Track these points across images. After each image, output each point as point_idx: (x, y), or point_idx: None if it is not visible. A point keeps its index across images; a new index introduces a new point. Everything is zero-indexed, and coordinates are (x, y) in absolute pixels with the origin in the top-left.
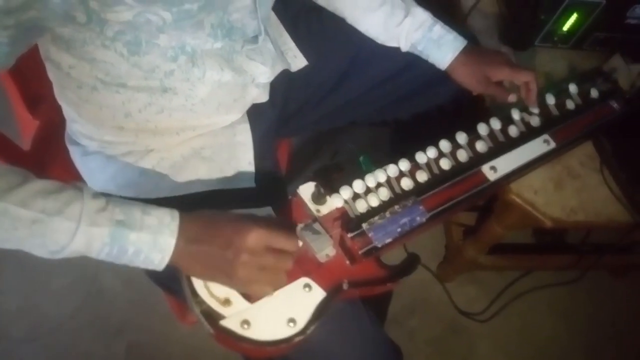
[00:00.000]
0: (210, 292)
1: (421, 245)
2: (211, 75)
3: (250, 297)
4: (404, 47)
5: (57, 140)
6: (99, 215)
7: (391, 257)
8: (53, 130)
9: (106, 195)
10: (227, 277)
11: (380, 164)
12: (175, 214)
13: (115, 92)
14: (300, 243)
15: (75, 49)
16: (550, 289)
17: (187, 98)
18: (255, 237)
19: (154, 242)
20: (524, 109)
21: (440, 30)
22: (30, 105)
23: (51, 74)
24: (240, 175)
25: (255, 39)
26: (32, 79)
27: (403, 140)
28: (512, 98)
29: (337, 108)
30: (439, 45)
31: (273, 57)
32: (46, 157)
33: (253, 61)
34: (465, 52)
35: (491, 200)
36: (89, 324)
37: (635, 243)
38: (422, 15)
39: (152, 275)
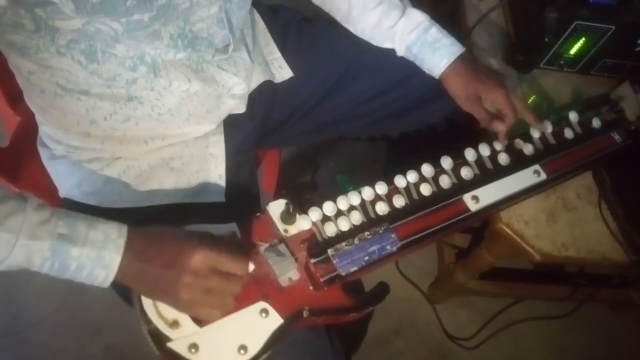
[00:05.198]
0: (159, 312)
1: (413, 264)
2: (178, 85)
3: (200, 321)
4: (399, 50)
5: (36, 138)
6: (40, 228)
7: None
8: (33, 127)
9: (72, 203)
10: (170, 298)
11: (360, 184)
12: (124, 229)
13: (77, 99)
14: (252, 267)
15: (29, 56)
16: (545, 318)
17: (154, 108)
18: (200, 259)
19: (98, 258)
20: (514, 136)
21: (436, 33)
22: (11, 100)
23: (17, 77)
24: (209, 189)
25: (226, 48)
26: (11, 75)
27: (390, 159)
28: (497, 127)
29: (323, 122)
30: (434, 50)
31: (248, 68)
32: (24, 154)
33: (225, 72)
34: (462, 60)
35: (485, 224)
36: (68, 322)
37: (634, 280)
38: (418, 17)
39: (117, 289)
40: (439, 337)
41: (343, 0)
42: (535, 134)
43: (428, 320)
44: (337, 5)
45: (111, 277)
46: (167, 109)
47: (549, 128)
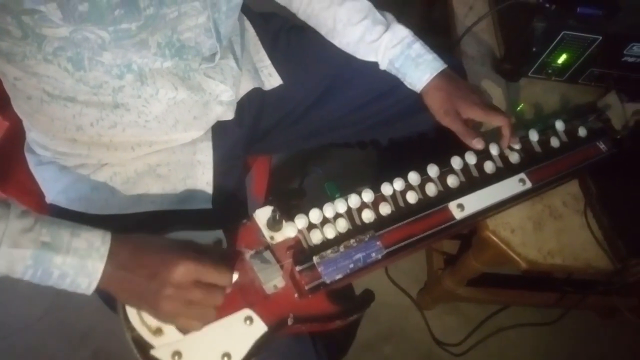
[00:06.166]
0: (142, 319)
1: (402, 270)
2: (165, 93)
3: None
4: (382, 64)
5: (24, 144)
6: (22, 236)
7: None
8: (21, 133)
9: (58, 209)
10: (151, 308)
11: (350, 190)
12: (107, 237)
13: (63, 105)
14: (236, 277)
15: (16, 62)
16: (532, 325)
17: (140, 115)
18: (182, 271)
19: (81, 266)
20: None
21: (419, 48)
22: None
23: (3, 83)
24: (196, 196)
25: (213, 57)
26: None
27: (380, 165)
28: (476, 144)
29: (312, 129)
30: (417, 64)
31: (235, 76)
32: (12, 160)
33: (212, 80)
34: (442, 76)
35: (473, 231)
36: (56, 328)
37: (620, 286)
38: (402, 32)
39: (102, 296)
40: (427, 343)
41: (328, 15)
42: (494, 150)
43: (417, 327)
44: (322, 20)
45: (94, 285)
46: (154, 116)
47: (534, 137)
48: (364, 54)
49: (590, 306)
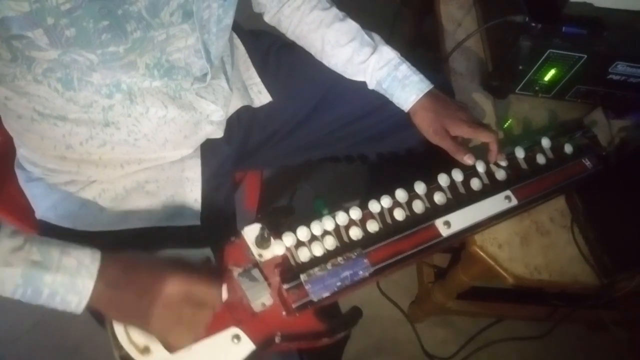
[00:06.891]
0: (130, 338)
1: (394, 282)
2: (155, 111)
3: (171, 347)
4: (370, 84)
5: (14, 159)
6: (13, 255)
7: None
8: (12, 149)
9: (47, 225)
10: (142, 325)
11: (337, 207)
12: (97, 255)
13: (54, 124)
14: (225, 294)
15: (6, 83)
16: (523, 339)
17: (130, 133)
18: (172, 288)
19: (71, 284)
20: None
21: (406, 70)
22: None
23: None
24: (184, 213)
25: (204, 77)
26: None
27: (371, 180)
28: (467, 159)
29: (302, 145)
30: (404, 85)
31: (226, 96)
32: (2, 175)
33: (203, 99)
34: (429, 96)
35: (462, 246)
36: (46, 340)
37: (610, 300)
38: (389, 54)
39: (91, 311)
40: (418, 356)
41: (316, 37)
42: (480, 167)
43: (408, 339)
44: (311, 42)
45: (84, 304)
46: (144, 134)
47: (520, 154)
48: (352, 74)
49: (579, 319)
